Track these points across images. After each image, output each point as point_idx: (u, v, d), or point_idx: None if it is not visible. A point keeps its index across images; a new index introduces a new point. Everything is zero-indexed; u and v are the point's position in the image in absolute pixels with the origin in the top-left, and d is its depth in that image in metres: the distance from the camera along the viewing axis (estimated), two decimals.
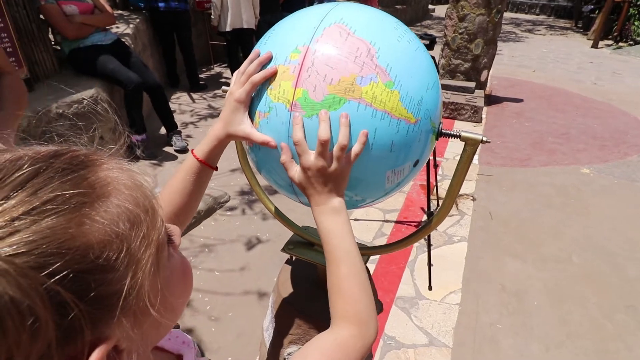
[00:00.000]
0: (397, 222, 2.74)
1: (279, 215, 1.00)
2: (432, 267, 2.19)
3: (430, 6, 15.21)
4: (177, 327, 0.61)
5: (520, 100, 5.43)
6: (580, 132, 4.48)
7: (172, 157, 3.39)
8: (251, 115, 0.67)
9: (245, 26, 4.56)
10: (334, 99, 0.60)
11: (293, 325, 0.93)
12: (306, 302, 0.94)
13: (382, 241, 2.54)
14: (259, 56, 0.66)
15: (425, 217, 2.76)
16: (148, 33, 4.50)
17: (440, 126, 0.72)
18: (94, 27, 3.06)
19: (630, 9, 9.92)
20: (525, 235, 2.67)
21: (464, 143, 0.72)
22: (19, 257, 0.26)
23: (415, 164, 0.70)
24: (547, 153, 3.92)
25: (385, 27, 0.66)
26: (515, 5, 16.88)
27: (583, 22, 12.77)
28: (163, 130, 3.62)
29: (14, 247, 0.26)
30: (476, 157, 3.65)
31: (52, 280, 0.26)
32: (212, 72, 5.97)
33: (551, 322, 2.02)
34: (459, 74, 4.97)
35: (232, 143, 0.92)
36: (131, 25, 4.00)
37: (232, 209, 2.78)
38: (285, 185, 0.73)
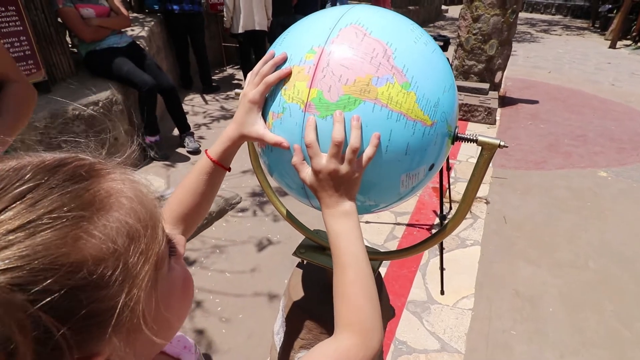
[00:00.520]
0: (408, 225, 2.72)
1: (290, 218, 1.00)
2: (444, 271, 2.16)
3: (443, 7, 15.11)
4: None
5: (536, 102, 5.35)
6: (597, 134, 4.38)
7: (185, 159, 3.42)
8: (265, 116, 0.67)
9: (257, 28, 4.58)
10: (349, 100, 0.59)
11: (304, 329, 0.93)
12: (317, 306, 0.93)
13: (394, 244, 2.52)
14: (273, 57, 0.66)
15: (437, 220, 2.73)
16: (162, 35, 4.55)
17: (456, 130, 0.70)
18: (110, 30, 3.11)
19: None
20: (540, 239, 2.62)
21: (480, 147, 0.71)
22: (9, 272, 0.25)
23: (431, 167, 0.69)
24: (563, 156, 3.85)
25: (402, 29, 0.65)
26: (531, 5, 16.65)
27: (600, 22, 12.54)
28: (176, 132, 3.66)
29: (6, 261, 0.25)
30: None
31: (40, 304, 0.26)
32: (225, 73, 6.01)
33: (566, 330, 1.97)
34: (472, 75, 4.91)
35: (245, 145, 0.92)
36: (146, 28, 4.06)
37: (243, 210, 2.79)
38: (297, 189, 0.73)
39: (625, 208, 3.02)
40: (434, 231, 2.68)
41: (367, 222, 2.68)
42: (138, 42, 3.46)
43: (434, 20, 13.30)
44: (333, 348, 0.53)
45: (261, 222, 2.67)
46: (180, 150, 3.54)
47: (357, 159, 0.60)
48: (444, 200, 2.64)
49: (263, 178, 0.97)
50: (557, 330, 1.96)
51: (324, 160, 0.60)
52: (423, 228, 2.70)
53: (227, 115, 4.36)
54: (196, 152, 3.47)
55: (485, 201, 2.99)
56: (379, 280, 1.00)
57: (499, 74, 4.89)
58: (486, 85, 4.78)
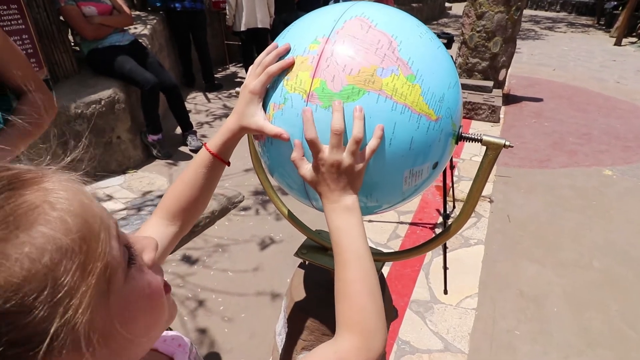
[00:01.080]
0: (411, 223, 2.70)
1: (292, 218, 0.99)
2: (447, 271, 2.15)
3: (447, 4, 15.03)
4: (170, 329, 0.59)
5: (540, 100, 5.31)
6: (602, 132, 4.35)
7: (188, 157, 3.42)
8: (265, 108, 0.65)
9: (259, 25, 4.57)
10: (352, 90, 0.58)
11: (306, 330, 0.92)
12: (319, 307, 0.92)
13: (397, 243, 2.51)
14: (276, 49, 0.64)
15: (440, 219, 2.72)
16: (165, 33, 4.55)
17: (461, 129, 0.69)
18: (112, 28, 3.11)
19: None
20: (544, 238, 2.60)
21: (484, 147, 0.70)
22: None
23: (434, 166, 0.68)
24: (567, 154, 3.82)
25: (407, 24, 0.65)
26: (535, 2, 16.54)
27: (605, 19, 12.44)
28: (179, 130, 3.66)
29: None
30: None
31: None
32: (228, 71, 6.01)
33: (571, 330, 1.96)
34: (476, 73, 4.88)
35: (246, 143, 0.91)
36: (148, 26, 4.05)
37: (245, 209, 2.78)
38: (298, 188, 0.72)
39: (631, 207, 2.99)
40: (437, 230, 2.67)
41: (370, 221, 2.67)
42: (140, 40, 3.46)
43: (437, 18, 13.24)
44: (333, 350, 0.51)
45: (264, 220, 2.67)
46: (182, 148, 3.54)
47: (360, 151, 0.59)
48: (447, 199, 2.63)
49: (264, 178, 0.96)
50: (562, 331, 1.95)
51: (326, 151, 0.59)
52: (426, 227, 2.68)
53: (230, 114, 4.35)
54: (198, 150, 3.46)
55: (489, 200, 2.98)
56: (381, 281, 0.99)
57: (503, 71, 4.85)
58: (490, 83, 4.75)
